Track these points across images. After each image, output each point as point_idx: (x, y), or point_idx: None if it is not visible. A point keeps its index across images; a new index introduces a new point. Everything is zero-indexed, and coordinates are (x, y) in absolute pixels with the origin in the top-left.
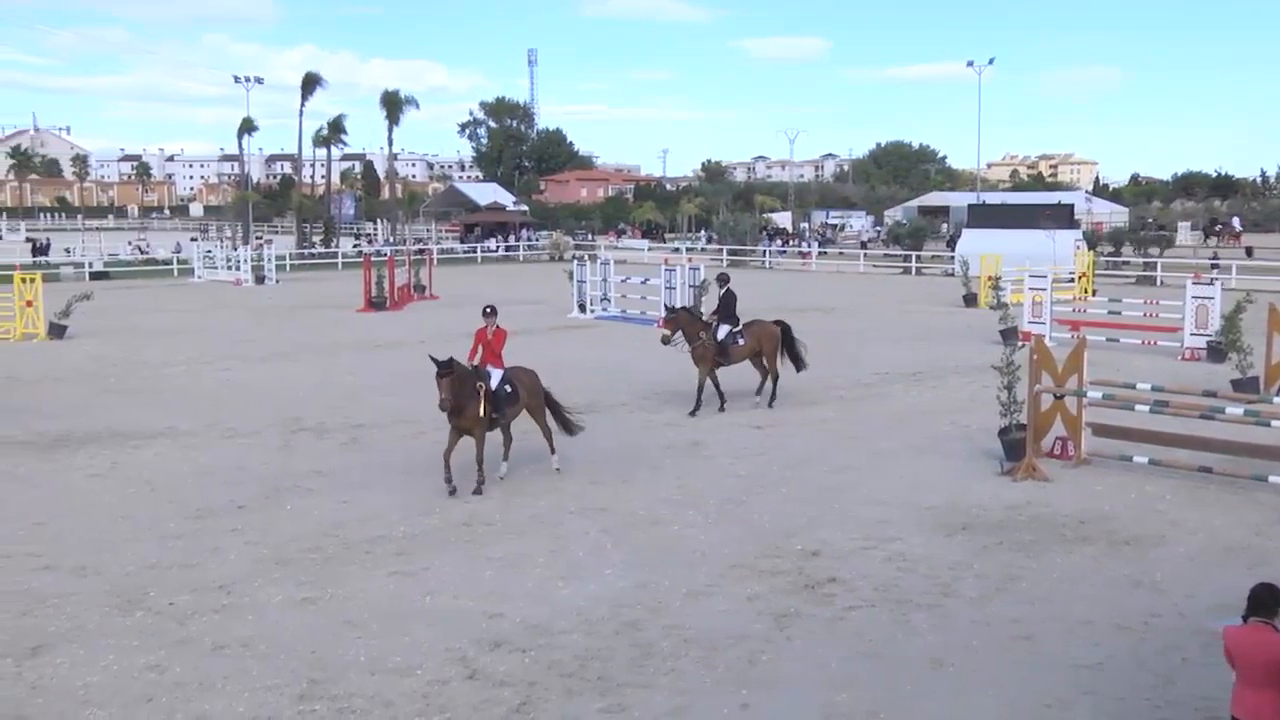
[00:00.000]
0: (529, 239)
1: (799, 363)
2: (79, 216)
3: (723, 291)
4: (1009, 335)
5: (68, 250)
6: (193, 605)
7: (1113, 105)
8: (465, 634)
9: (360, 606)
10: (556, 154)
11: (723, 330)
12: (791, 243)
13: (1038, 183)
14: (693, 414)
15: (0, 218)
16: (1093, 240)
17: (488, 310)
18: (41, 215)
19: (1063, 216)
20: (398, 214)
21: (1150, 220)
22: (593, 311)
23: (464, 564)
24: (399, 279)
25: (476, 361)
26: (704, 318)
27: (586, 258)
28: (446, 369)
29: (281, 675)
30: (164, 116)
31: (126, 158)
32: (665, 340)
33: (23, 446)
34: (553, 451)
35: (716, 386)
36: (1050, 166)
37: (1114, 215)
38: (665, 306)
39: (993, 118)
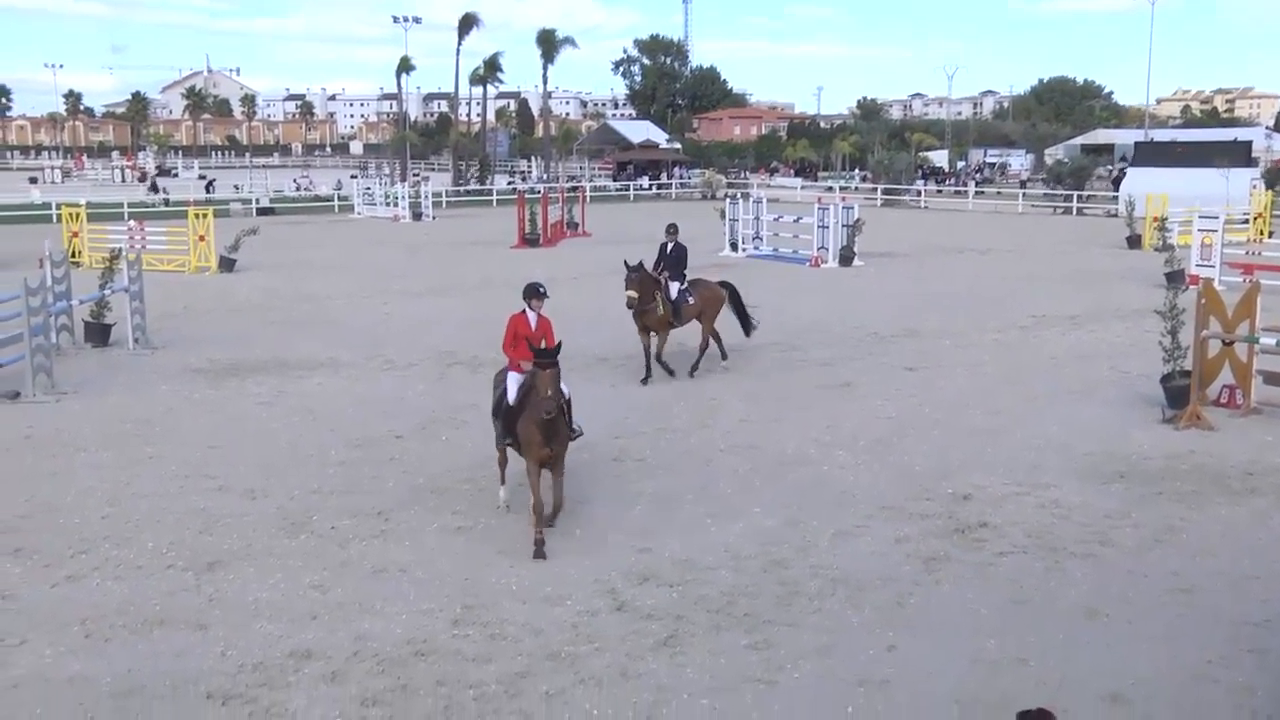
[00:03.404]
0: (681, 177)
1: (748, 326)
2: (247, 154)
3: (671, 245)
4: (1175, 278)
5: (236, 187)
6: (353, 530)
7: None
8: (614, 567)
9: (512, 537)
10: (710, 92)
11: (674, 288)
12: (947, 182)
13: (1212, 119)
14: (668, 373)
15: (177, 155)
16: (1272, 179)
17: (539, 290)
18: (213, 153)
19: (1238, 154)
20: (551, 151)
21: None
22: (744, 250)
23: (614, 498)
24: (552, 216)
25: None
26: (655, 273)
27: (739, 196)
28: (553, 359)
29: (436, 600)
30: (327, 57)
31: (291, 97)
32: (631, 304)
33: (198, 373)
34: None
35: (646, 355)
36: (1227, 101)
37: None
38: (625, 264)
39: (1164, 51)
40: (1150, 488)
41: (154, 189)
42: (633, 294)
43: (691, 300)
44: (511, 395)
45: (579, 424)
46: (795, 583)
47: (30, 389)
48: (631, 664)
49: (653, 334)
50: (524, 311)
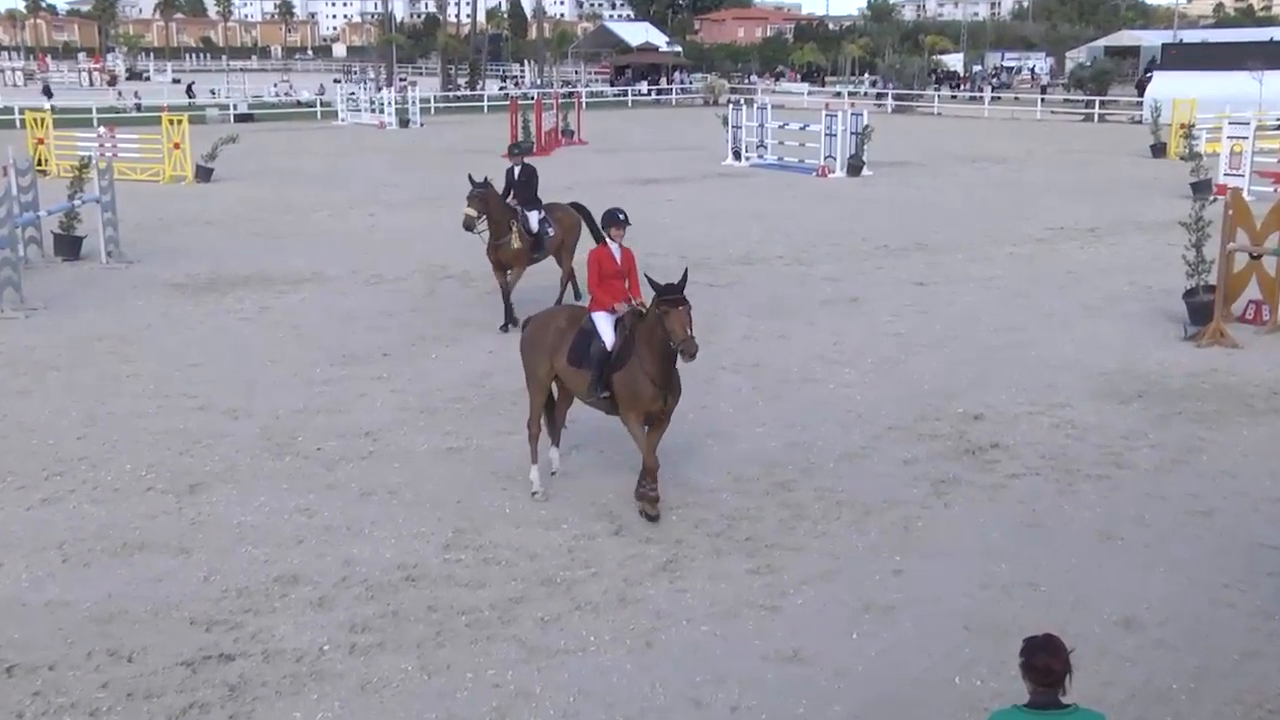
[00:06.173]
0: (682, 82)
1: None
2: (223, 57)
3: (519, 169)
4: (1201, 188)
5: (213, 92)
6: (340, 451)
7: None
8: (611, 489)
9: (505, 458)
10: None
11: (533, 218)
12: (962, 87)
13: (1246, 18)
14: (504, 329)
15: (148, 58)
16: None
17: (619, 217)
18: (187, 56)
19: (1274, 55)
20: (545, 55)
21: None
22: (748, 159)
23: (611, 419)
24: (546, 123)
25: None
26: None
27: (742, 102)
28: (682, 293)
29: (427, 523)
30: None
31: None
32: (469, 224)
33: (175, 289)
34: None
35: (504, 298)
36: None
37: None
38: (470, 179)
39: None
40: (1169, 407)
41: (48, 93)
42: (470, 212)
43: (553, 231)
44: (609, 340)
45: None
46: (799, 505)
47: None
48: (629, 589)
49: (509, 271)
50: (604, 244)
